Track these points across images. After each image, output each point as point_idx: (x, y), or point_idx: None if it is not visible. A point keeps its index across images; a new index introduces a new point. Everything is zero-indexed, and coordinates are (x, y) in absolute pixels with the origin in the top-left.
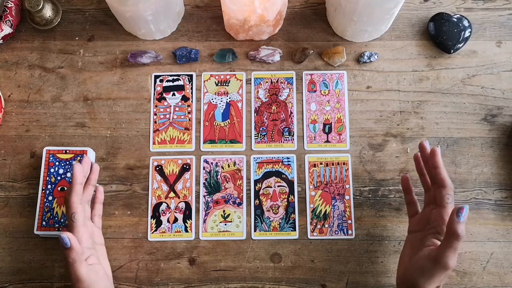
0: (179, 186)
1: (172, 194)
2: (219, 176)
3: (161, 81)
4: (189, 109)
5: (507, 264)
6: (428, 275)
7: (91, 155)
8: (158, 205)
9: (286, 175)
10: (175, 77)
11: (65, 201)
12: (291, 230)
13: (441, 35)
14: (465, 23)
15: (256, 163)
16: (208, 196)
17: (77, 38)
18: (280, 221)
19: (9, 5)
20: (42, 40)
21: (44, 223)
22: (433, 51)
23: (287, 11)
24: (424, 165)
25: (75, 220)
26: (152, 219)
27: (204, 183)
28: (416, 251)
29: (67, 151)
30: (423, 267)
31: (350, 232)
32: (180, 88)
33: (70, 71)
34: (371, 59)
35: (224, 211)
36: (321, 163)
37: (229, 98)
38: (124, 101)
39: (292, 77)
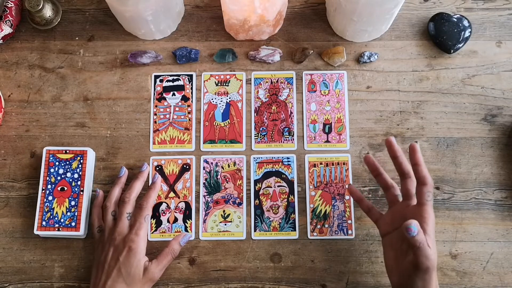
0: (179, 186)
1: (172, 194)
2: (219, 176)
3: (161, 81)
4: (189, 109)
5: (507, 264)
6: (420, 281)
7: (91, 155)
8: (158, 205)
9: (286, 175)
10: (175, 77)
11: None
12: (291, 230)
13: (441, 35)
14: (465, 23)
15: (256, 163)
16: (208, 196)
17: (77, 38)
18: (280, 221)
19: (9, 5)
20: (42, 40)
21: (44, 223)
22: (433, 51)
23: (287, 11)
24: (393, 160)
25: (147, 221)
26: (152, 219)
27: (204, 183)
28: (399, 251)
29: (67, 151)
30: (410, 272)
31: (350, 232)
32: (180, 88)
33: (70, 71)
34: (371, 59)
35: (224, 211)
36: (321, 163)
37: (229, 98)
38: (124, 101)
39: (292, 77)
